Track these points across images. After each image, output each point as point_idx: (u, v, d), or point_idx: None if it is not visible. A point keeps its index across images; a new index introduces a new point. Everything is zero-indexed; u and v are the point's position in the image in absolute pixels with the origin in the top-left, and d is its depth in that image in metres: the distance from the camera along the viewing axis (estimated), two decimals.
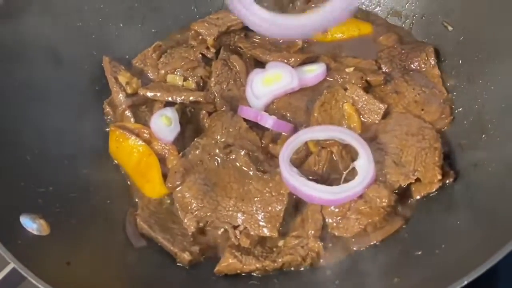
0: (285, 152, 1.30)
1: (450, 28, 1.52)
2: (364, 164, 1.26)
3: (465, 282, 0.86)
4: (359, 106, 1.44)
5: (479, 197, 1.18)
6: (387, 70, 1.53)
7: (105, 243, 1.24)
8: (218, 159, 1.36)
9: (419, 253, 1.13)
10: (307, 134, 1.34)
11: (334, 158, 1.35)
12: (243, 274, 1.23)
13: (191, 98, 1.45)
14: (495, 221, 1.07)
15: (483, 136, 1.29)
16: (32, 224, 1.11)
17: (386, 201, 1.24)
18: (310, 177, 1.29)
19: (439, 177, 1.25)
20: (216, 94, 1.49)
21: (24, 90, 1.36)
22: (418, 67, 1.51)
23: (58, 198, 1.23)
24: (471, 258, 0.93)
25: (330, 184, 1.27)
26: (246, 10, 1.16)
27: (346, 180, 1.26)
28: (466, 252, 1.01)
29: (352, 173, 1.27)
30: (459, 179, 1.28)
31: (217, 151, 1.36)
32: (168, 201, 1.36)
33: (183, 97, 1.45)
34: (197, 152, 1.37)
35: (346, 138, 1.31)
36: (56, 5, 1.48)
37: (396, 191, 1.29)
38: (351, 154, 1.34)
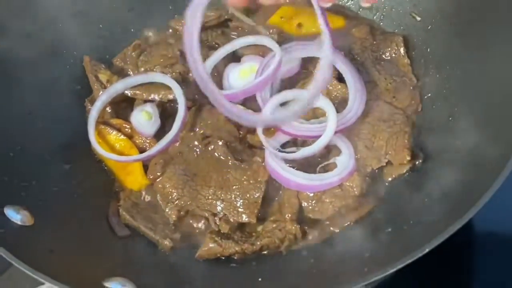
0: (273, 140, 1.36)
1: (418, 18, 1.57)
2: (345, 160, 1.32)
3: (427, 250, 0.91)
4: (333, 95, 1.49)
5: (444, 177, 1.21)
6: (359, 61, 1.58)
7: (88, 233, 1.27)
8: (197, 150, 1.40)
9: (389, 230, 1.18)
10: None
11: None
12: (223, 258, 1.27)
13: (169, 96, 1.49)
14: (457, 198, 1.12)
15: (450, 119, 1.35)
16: (16, 215, 1.14)
17: (358, 190, 1.29)
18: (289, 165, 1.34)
19: (408, 158, 1.31)
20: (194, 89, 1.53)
21: (5, 89, 1.40)
22: (389, 57, 1.57)
23: (41, 191, 1.27)
24: (434, 229, 0.98)
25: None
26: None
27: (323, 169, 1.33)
28: (430, 225, 1.06)
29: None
30: (428, 160, 1.33)
31: (195, 142, 1.40)
32: (149, 193, 1.40)
33: (161, 95, 1.49)
34: (177, 144, 1.42)
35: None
36: (35, 7, 1.52)
37: (368, 174, 1.34)
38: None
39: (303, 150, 1.32)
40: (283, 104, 1.41)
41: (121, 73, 1.63)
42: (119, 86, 1.50)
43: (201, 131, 1.42)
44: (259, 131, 1.34)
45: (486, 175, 1.07)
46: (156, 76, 1.50)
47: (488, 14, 1.33)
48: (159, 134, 1.47)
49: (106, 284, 1.05)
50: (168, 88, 1.47)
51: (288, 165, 1.34)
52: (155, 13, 1.75)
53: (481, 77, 1.31)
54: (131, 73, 1.64)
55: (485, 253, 1.39)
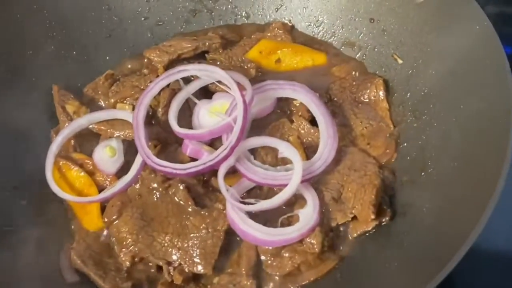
0: (238, 186, 1.32)
1: (400, 61, 1.51)
2: (309, 213, 1.26)
3: None
4: (305, 139, 1.43)
5: (412, 237, 1.16)
6: (337, 102, 1.52)
7: (37, 277, 1.22)
8: (157, 193, 1.35)
9: None
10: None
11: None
12: None
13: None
14: (423, 263, 1.06)
15: (422, 173, 1.28)
16: None
17: (319, 247, 1.23)
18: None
19: (373, 216, 1.24)
20: (161, 126, 1.48)
21: None
22: (368, 100, 1.51)
23: None
24: None
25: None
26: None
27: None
28: None
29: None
30: (396, 217, 1.27)
31: (156, 185, 1.35)
32: (105, 234, 1.35)
33: (126, 133, 1.44)
34: (137, 185, 1.36)
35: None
36: (6, 34, 1.48)
37: (333, 229, 1.27)
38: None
39: (264, 203, 1.26)
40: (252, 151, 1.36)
41: (91, 103, 1.59)
42: (83, 121, 1.45)
43: (162, 173, 1.36)
44: (220, 178, 1.28)
45: (453, 241, 1.00)
46: (121, 114, 1.46)
47: None
48: (123, 171, 1.42)
49: None
50: None
51: (251, 212, 1.28)
52: (132, 41, 1.71)
53: (459, 132, 1.24)
54: (102, 103, 1.59)
55: None
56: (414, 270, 1.04)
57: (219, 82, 1.46)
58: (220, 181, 1.28)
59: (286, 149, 1.32)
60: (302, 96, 1.45)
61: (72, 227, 1.39)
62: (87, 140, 1.51)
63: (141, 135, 1.37)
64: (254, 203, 1.27)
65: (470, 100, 1.24)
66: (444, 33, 1.38)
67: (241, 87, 1.39)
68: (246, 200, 1.28)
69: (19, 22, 1.55)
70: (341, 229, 1.29)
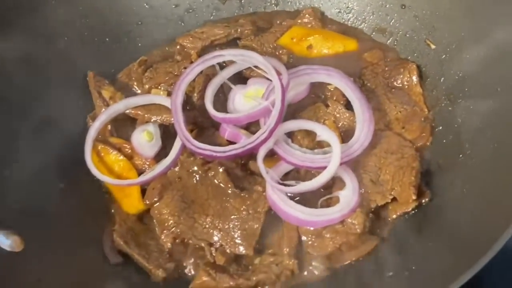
0: (275, 169, 1.32)
1: (432, 46, 1.52)
2: (348, 195, 1.28)
3: None
4: (341, 123, 1.44)
5: (452, 218, 1.17)
6: (370, 87, 1.53)
7: (80, 259, 1.24)
8: (197, 176, 1.36)
9: (390, 274, 1.13)
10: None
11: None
12: None
13: (171, 120, 1.45)
14: (464, 245, 1.06)
15: (460, 156, 1.29)
16: (5, 240, 1.12)
17: (360, 228, 1.25)
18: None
19: (414, 197, 1.25)
20: (197, 110, 1.49)
21: (4, 104, 1.37)
22: (401, 85, 1.52)
23: (33, 213, 1.24)
24: (437, 282, 0.93)
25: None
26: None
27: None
28: (433, 275, 1.00)
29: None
30: (435, 198, 1.28)
31: (195, 168, 1.36)
32: (146, 217, 1.36)
33: (163, 117, 1.45)
34: (176, 168, 1.38)
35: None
36: (40, 21, 1.49)
37: (372, 210, 1.29)
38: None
39: (304, 185, 1.27)
40: (289, 134, 1.37)
41: (126, 89, 1.60)
42: (119, 106, 1.46)
43: (201, 156, 1.38)
44: (259, 160, 1.30)
45: (498, 220, 1.01)
46: (158, 99, 1.47)
47: None
48: (160, 155, 1.43)
49: None
50: (170, 110, 1.43)
51: (289, 195, 1.30)
52: (165, 29, 1.72)
53: (496, 116, 1.25)
54: (136, 89, 1.61)
55: None
56: (454, 253, 1.04)
57: (255, 67, 1.47)
58: (260, 164, 1.30)
59: (324, 132, 1.34)
60: (337, 80, 1.46)
61: (112, 210, 1.40)
62: (122, 125, 1.52)
63: (180, 119, 1.39)
64: (294, 185, 1.28)
65: (507, 83, 1.25)
66: (479, 18, 1.38)
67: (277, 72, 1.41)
68: (286, 182, 1.29)
69: (53, 9, 1.56)
70: (380, 210, 1.30)
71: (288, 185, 1.28)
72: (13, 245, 1.12)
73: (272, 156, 1.38)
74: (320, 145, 1.38)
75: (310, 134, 1.39)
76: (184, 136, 1.36)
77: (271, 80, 1.40)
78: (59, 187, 1.38)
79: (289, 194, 1.31)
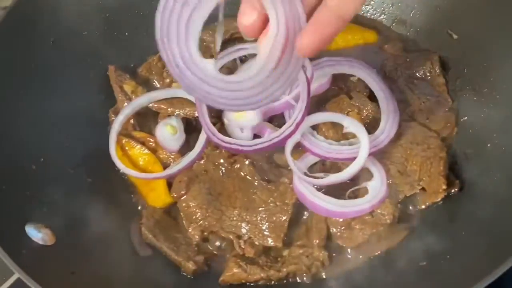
0: (301, 161, 1.32)
1: (455, 36, 1.51)
2: (377, 186, 1.27)
3: None
4: (364, 115, 1.44)
5: (483, 207, 1.17)
6: (392, 78, 1.53)
7: (110, 252, 1.24)
8: (223, 168, 1.36)
9: (424, 263, 1.13)
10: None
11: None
12: (247, 284, 1.23)
13: (194, 113, 1.45)
14: (498, 233, 1.06)
15: (488, 145, 1.28)
16: (37, 234, 1.11)
17: (390, 218, 1.24)
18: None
19: (444, 186, 1.25)
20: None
21: (30, 99, 1.37)
22: (423, 76, 1.51)
23: (63, 207, 1.24)
24: (475, 270, 0.93)
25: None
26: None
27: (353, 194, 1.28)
28: (470, 264, 1.00)
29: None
30: (464, 188, 1.28)
31: (221, 160, 1.36)
32: (173, 211, 1.36)
33: (186, 111, 1.45)
34: (202, 161, 1.37)
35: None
36: (61, 14, 1.49)
37: (400, 201, 1.28)
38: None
39: (332, 177, 1.27)
40: (313, 127, 1.37)
41: (146, 84, 1.60)
42: (142, 100, 1.46)
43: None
44: (287, 152, 1.30)
45: None
46: (181, 92, 1.46)
47: None
48: (184, 149, 1.43)
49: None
50: (193, 104, 1.43)
51: (316, 186, 1.29)
52: None
53: None
54: (157, 83, 1.60)
55: None
56: (498, 235, 1.04)
57: None
58: (288, 156, 1.30)
59: (350, 124, 1.33)
60: (360, 71, 1.46)
61: (137, 204, 1.40)
62: (145, 118, 1.52)
63: (205, 113, 1.38)
64: (323, 177, 1.28)
65: None
66: (503, 7, 1.38)
67: None
68: (314, 175, 1.29)
69: (73, 3, 1.56)
70: (409, 201, 1.30)
71: (316, 177, 1.28)
72: (45, 238, 1.12)
73: (297, 149, 1.38)
74: (344, 137, 1.38)
75: (335, 126, 1.38)
76: (209, 130, 1.35)
77: None
78: (87, 182, 1.37)
79: (315, 187, 1.30)
